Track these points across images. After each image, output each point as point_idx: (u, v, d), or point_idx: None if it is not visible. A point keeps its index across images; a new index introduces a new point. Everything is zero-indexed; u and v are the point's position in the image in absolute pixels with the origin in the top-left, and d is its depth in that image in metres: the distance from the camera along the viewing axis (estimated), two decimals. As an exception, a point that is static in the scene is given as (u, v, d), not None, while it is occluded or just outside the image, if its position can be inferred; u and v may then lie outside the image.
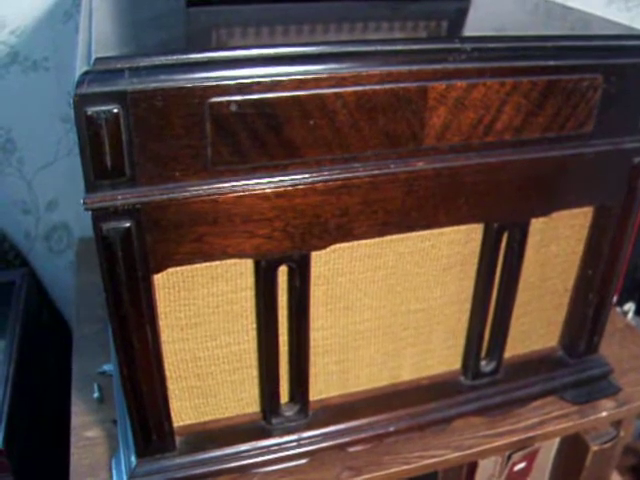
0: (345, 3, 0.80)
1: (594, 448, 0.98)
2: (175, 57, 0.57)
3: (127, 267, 0.63)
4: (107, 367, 0.96)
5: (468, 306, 0.84)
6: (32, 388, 1.09)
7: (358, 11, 0.78)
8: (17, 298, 1.16)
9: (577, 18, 0.83)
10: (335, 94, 0.61)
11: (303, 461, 0.81)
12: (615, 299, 1.17)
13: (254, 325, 0.74)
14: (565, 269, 0.87)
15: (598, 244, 0.84)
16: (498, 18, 0.80)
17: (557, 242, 0.84)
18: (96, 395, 0.92)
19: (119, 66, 0.56)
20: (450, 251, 0.78)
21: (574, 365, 0.93)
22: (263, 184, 0.63)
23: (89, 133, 0.56)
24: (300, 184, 0.64)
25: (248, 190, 0.63)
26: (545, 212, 0.77)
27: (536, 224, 0.80)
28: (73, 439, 0.87)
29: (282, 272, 0.71)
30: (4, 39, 1.08)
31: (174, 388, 0.76)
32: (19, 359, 1.06)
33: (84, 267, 1.16)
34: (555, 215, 0.80)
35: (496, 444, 0.87)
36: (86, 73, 0.55)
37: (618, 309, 1.16)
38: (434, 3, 0.83)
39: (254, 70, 0.59)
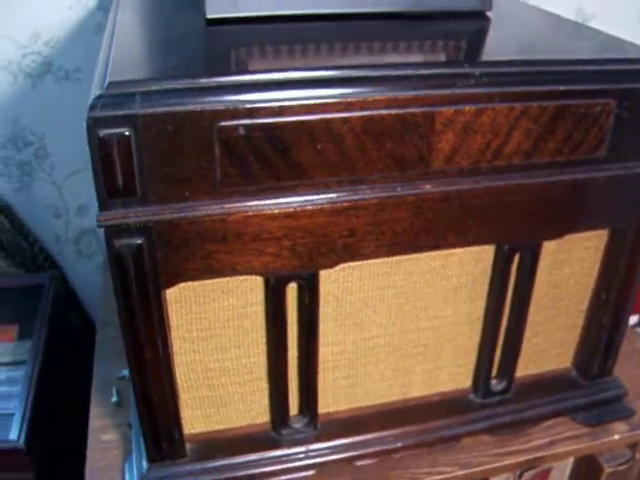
0: (363, 22, 0.81)
1: (608, 470, 0.98)
2: (185, 82, 0.59)
3: (139, 282, 0.65)
4: (126, 372, 0.98)
5: (479, 325, 0.84)
6: (56, 389, 1.12)
7: (375, 31, 0.79)
8: (45, 300, 1.20)
9: (596, 40, 0.83)
10: (342, 119, 0.62)
11: (310, 472, 0.82)
12: (637, 319, 1.16)
13: (264, 339, 0.76)
14: (579, 291, 0.87)
15: (613, 267, 0.84)
16: (516, 40, 0.80)
17: (571, 264, 0.84)
18: (114, 399, 0.95)
19: (131, 90, 0.58)
20: (460, 271, 0.78)
21: (587, 387, 0.93)
22: (271, 205, 0.64)
23: (101, 154, 0.58)
24: (308, 205, 0.65)
25: (256, 210, 0.64)
26: (556, 235, 0.77)
27: (549, 246, 0.80)
28: (90, 442, 0.90)
29: (291, 289, 0.72)
30: (38, 49, 1.12)
31: (186, 397, 0.78)
32: (44, 360, 1.09)
33: (111, 272, 1.18)
34: (569, 237, 0.80)
35: (505, 463, 0.88)
36: (99, 97, 0.57)
37: (639, 329, 1.15)
38: (452, 22, 0.83)
39: (262, 95, 0.60)
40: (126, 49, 0.69)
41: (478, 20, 0.85)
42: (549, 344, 0.91)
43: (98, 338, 1.08)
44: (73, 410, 1.19)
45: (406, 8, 0.83)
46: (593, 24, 1.33)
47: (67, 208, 1.26)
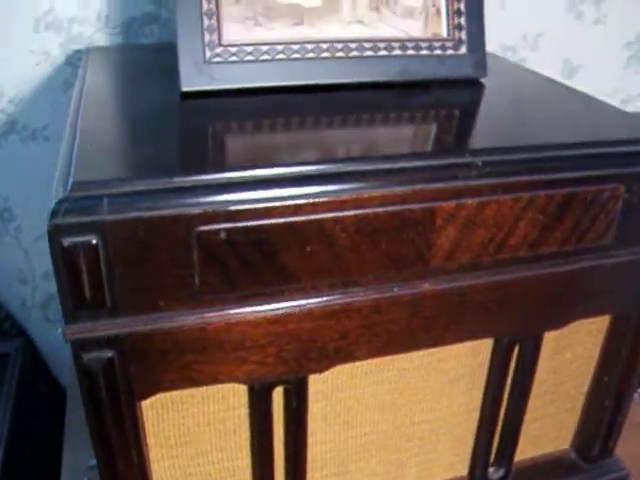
0: (349, 94, 0.76)
1: None
2: (158, 182, 0.53)
3: (110, 396, 0.59)
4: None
5: (476, 415, 0.79)
6: (23, 468, 1.05)
7: (361, 105, 0.74)
8: (11, 372, 1.12)
9: (594, 110, 0.78)
10: (334, 218, 0.57)
11: None
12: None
13: (248, 442, 0.70)
14: (580, 374, 0.82)
15: (615, 350, 0.79)
16: (515, 114, 0.75)
17: (572, 348, 0.79)
18: (84, 493, 0.87)
19: (98, 192, 0.52)
20: (458, 363, 0.73)
21: (588, 470, 0.88)
22: (255, 312, 0.58)
23: (66, 265, 0.52)
24: (295, 310, 0.59)
25: (239, 317, 0.58)
26: (559, 325, 0.72)
27: (550, 333, 0.75)
28: (58, 542, 0.83)
29: (278, 391, 0.66)
30: (2, 108, 1.05)
31: (163, 503, 0.71)
32: (10, 436, 1.02)
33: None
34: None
35: None
36: (62, 201, 0.51)
37: (636, 395, 1.10)
38: (445, 92, 0.79)
39: (245, 195, 0.54)
40: (93, 133, 0.62)
41: (472, 89, 0.80)
42: (548, 428, 0.86)
43: (67, 419, 1.01)
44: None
45: (395, 78, 0.78)
46: (581, 74, 1.30)
47: (34, 272, 1.19)
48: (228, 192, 0.54)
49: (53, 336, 1.25)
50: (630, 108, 1.37)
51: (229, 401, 0.67)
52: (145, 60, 0.93)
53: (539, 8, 1.21)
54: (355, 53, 0.77)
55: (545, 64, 1.25)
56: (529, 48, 1.24)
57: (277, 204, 0.55)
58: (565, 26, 1.24)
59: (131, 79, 0.84)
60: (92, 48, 1.01)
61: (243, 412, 0.68)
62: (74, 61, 1.05)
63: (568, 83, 1.22)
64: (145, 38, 1.06)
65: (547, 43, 1.24)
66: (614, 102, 1.33)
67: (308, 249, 0.57)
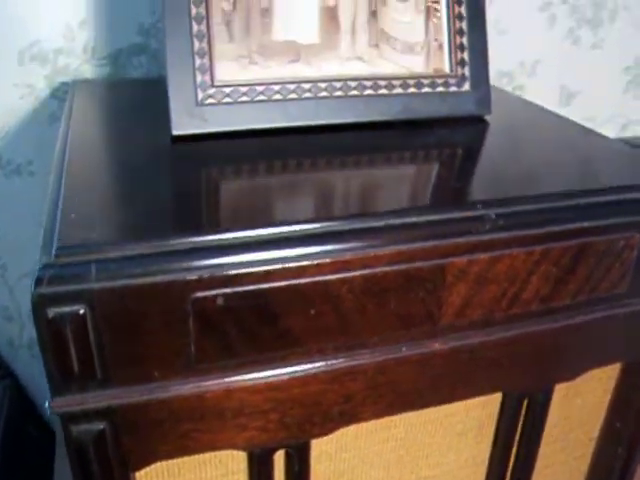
0: (347, 134, 0.73)
1: None
2: (150, 245, 0.49)
3: (102, 468, 0.55)
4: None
5: (484, 468, 0.75)
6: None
7: (362, 147, 0.71)
8: (-3, 415, 1.08)
9: (604, 150, 0.75)
10: (340, 280, 0.53)
11: None
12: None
13: (247, 506, 0.66)
14: (589, 420, 0.79)
15: (626, 397, 0.76)
16: (516, 156, 0.72)
17: (582, 395, 0.76)
18: None
19: (85, 258, 0.48)
20: (466, 416, 0.70)
21: (600, 520, 0.84)
22: (255, 378, 0.55)
23: (51, 336, 0.49)
24: (298, 374, 0.56)
25: (238, 384, 0.54)
26: (571, 377, 0.69)
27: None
28: None
29: (279, 453, 0.63)
30: (-15, 143, 1.01)
31: None
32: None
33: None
34: (582, 370, 0.72)
35: None
36: (46, 267, 0.47)
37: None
38: (449, 131, 0.75)
39: (243, 257, 0.51)
40: (78, 188, 0.59)
41: (476, 127, 0.77)
42: (557, 475, 0.83)
43: (57, 465, 0.97)
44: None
45: (396, 117, 0.75)
46: (579, 100, 1.27)
47: (20, 310, 1.15)
48: (225, 255, 0.50)
49: (42, 376, 1.21)
50: (629, 133, 1.34)
51: (228, 466, 0.63)
52: (133, 96, 0.89)
53: (536, 34, 1.18)
54: (354, 92, 0.73)
55: (543, 90, 1.22)
56: (526, 74, 1.21)
57: (278, 266, 0.51)
58: (562, 52, 1.22)
59: (119, 118, 0.81)
60: (78, 81, 0.98)
61: (242, 477, 0.64)
62: (60, 94, 1.01)
63: (567, 109, 1.20)
64: (134, 69, 1.02)
65: (545, 69, 1.22)
66: (614, 127, 1.31)
67: (312, 312, 0.53)
